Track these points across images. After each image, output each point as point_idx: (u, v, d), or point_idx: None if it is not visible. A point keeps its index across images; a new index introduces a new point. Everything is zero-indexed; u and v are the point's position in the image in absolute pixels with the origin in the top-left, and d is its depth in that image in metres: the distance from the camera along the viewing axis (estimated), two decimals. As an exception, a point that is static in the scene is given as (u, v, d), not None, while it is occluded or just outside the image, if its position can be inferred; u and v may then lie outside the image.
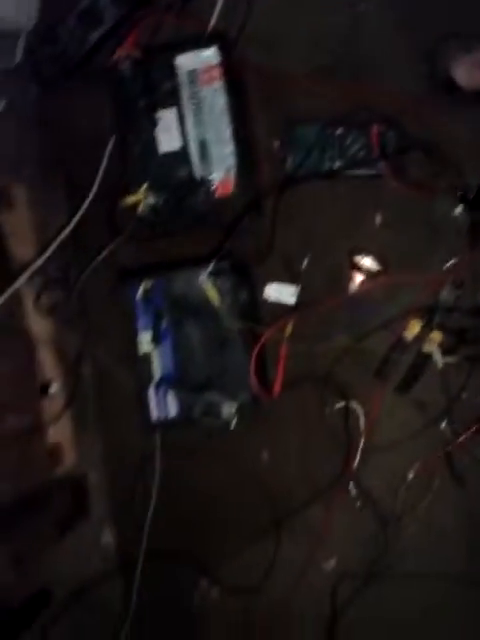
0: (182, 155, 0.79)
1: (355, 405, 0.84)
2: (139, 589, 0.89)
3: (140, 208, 0.79)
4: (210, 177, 0.79)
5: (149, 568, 0.89)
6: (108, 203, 0.84)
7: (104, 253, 0.85)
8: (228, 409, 0.79)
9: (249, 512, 0.89)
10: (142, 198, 0.78)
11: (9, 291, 0.81)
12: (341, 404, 0.84)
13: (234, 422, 0.80)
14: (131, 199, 0.79)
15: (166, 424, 0.83)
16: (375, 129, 0.79)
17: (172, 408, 0.82)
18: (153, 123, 0.80)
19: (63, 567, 0.93)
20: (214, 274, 0.79)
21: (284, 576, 0.87)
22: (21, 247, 0.88)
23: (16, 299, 0.87)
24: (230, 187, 0.79)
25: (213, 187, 0.79)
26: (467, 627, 0.83)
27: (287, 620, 0.87)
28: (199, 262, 0.81)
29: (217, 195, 0.79)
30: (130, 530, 0.91)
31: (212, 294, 0.79)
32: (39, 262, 0.85)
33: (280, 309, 0.85)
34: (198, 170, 0.79)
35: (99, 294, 0.90)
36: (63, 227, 0.87)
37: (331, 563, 0.86)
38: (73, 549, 0.93)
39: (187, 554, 0.89)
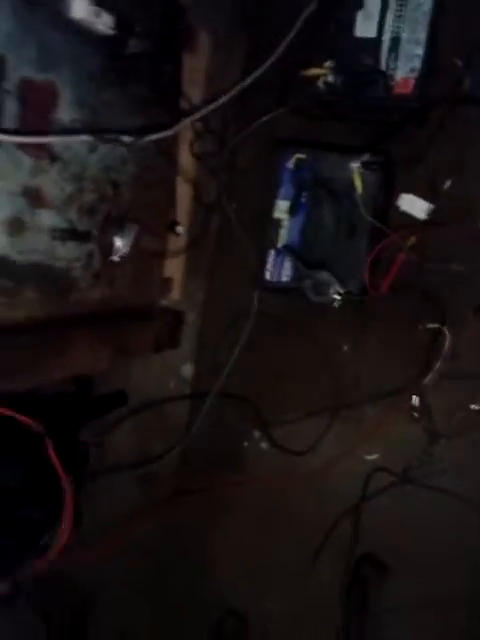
0: (373, 44, 0.82)
1: (446, 330, 0.89)
2: (203, 419, 1.00)
3: (319, 82, 0.82)
4: (393, 73, 0.81)
5: (215, 406, 1.00)
6: (285, 72, 0.88)
7: (268, 116, 0.90)
8: (335, 291, 0.86)
9: (315, 391, 0.98)
10: (325, 73, 0.82)
11: (177, 126, 0.86)
12: (434, 325, 0.90)
13: (337, 304, 0.87)
14: (314, 71, 0.83)
15: (275, 287, 0.91)
16: None
17: (285, 275, 0.90)
18: (358, 5, 0.82)
19: (144, 381, 1.06)
20: (366, 165, 0.83)
21: (328, 452, 0.96)
22: (193, 90, 0.94)
23: (175, 136, 0.94)
24: (409, 88, 0.81)
25: (393, 83, 0.81)
26: (471, 556, 0.91)
27: (319, 489, 0.97)
28: (352, 151, 0.86)
29: (394, 92, 0.81)
30: (208, 372, 1.03)
31: (357, 182, 0.84)
32: (207, 109, 0.90)
33: (407, 219, 0.90)
34: (384, 63, 0.82)
35: (249, 155, 0.97)
36: (236, 83, 0.91)
37: (373, 456, 0.95)
38: (156, 370, 1.06)
39: (250, 406, 1.00)
